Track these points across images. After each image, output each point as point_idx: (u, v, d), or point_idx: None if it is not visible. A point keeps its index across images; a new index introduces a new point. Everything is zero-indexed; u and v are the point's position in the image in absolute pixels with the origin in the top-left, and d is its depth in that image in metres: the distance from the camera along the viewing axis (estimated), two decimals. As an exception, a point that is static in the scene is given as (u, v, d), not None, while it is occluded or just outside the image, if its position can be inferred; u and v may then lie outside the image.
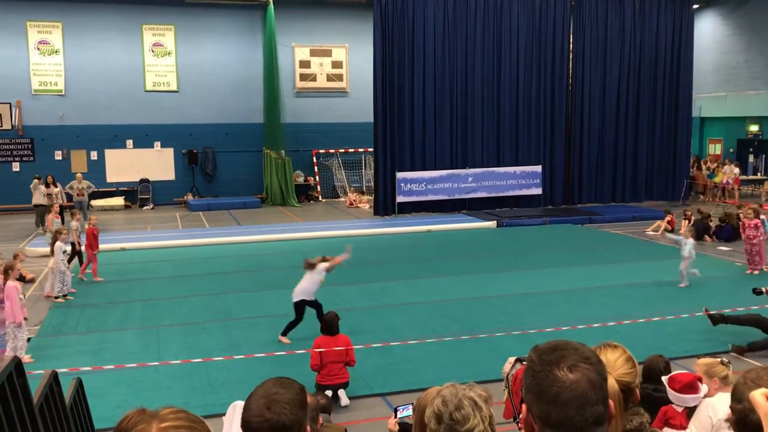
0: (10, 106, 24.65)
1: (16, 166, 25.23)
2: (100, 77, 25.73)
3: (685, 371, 5.40)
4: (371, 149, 24.08)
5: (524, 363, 3.96)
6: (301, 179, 27.60)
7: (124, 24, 25.88)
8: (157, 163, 26.64)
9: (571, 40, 24.27)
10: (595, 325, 10.35)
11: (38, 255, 16.03)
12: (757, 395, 1.58)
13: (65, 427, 3.66)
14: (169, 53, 26.54)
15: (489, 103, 23.39)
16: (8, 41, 24.89)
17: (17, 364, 2.96)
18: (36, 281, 14.06)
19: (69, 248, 14.26)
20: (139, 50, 26.22)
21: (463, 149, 23.28)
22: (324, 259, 10.08)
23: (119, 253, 16.89)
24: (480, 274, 14.33)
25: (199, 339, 10.31)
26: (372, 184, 24.52)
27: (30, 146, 25.38)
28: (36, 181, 20.48)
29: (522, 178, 23.56)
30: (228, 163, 27.33)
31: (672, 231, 18.87)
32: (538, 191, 23.78)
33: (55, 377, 3.72)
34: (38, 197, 20.25)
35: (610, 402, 1.64)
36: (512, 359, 4.31)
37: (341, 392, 7.94)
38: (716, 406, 4.49)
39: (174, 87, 26.71)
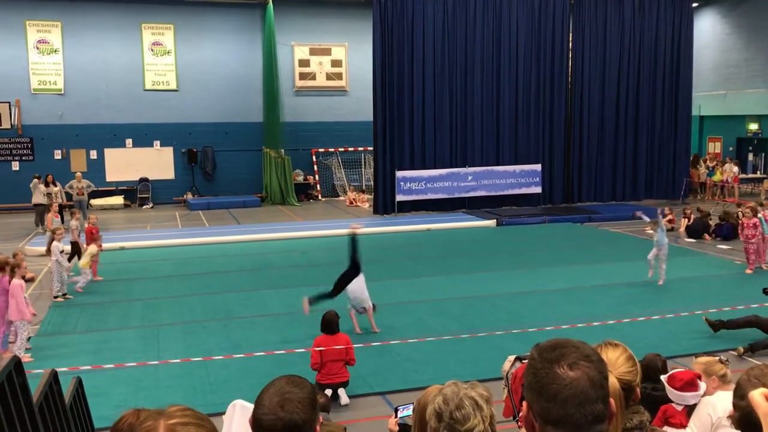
0: (10, 106, 24.62)
1: (15, 166, 25.22)
2: (99, 76, 25.71)
3: (685, 369, 5.40)
4: (371, 148, 24.08)
5: (524, 361, 3.96)
6: (300, 178, 27.60)
7: (124, 23, 25.86)
8: (156, 162, 26.64)
9: (570, 39, 24.27)
10: (595, 323, 10.36)
11: (38, 254, 16.02)
12: (756, 395, 1.58)
13: (65, 427, 3.66)
14: (168, 52, 26.53)
15: (488, 101, 23.38)
16: (7, 40, 24.87)
17: (17, 363, 2.96)
18: (36, 280, 14.06)
19: (68, 247, 14.27)
20: (138, 49, 26.20)
21: (462, 148, 23.27)
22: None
23: (119, 252, 16.89)
24: (479, 272, 14.33)
25: (198, 338, 10.31)
26: (372, 182, 24.52)
27: (29, 145, 25.36)
28: (35, 180, 20.47)
29: (521, 177, 23.56)
30: (227, 162, 27.32)
31: (672, 230, 18.89)
32: (538, 190, 23.78)
33: (54, 376, 3.72)
34: (38, 196, 20.23)
35: (611, 400, 1.64)
36: (512, 358, 4.31)
37: (341, 391, 7.94)
38: (716, 405, 4.50)
39: (173, 86, 26.70)
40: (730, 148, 29.11)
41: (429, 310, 11.59)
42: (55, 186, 20.93)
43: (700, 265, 14.97)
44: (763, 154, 28.17)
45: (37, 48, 25.21)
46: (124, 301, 12.54)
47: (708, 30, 28.99)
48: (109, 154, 26.19)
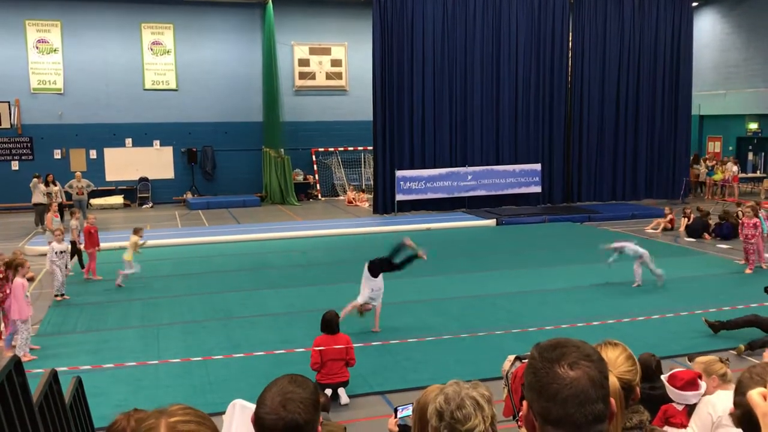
0: (9, 105, 24.60)
1: (15, 165, 25.22)
2: (99, 76, 25.71)
3: (685, 368, 5.40)
4: (370, 147, 24.08)
5: (524, 361, 3.96)
6: (300, 178, 27.60)
7: (123, 22, 25.86)
8: (156, 162, 26.63)
9: (570, 38, 24.27)
10: (595, 323, 10.37)
11: (37, 254, 16.02)
12: (754, 395, 1.57)
13: (65, 426, 3.65)
14: (168, 52, 26.53)
15: (488, 101, 23.38)
16: (7, 40, 24.87)
17: (17, 363, 2.96)
18: (36, 280, 14.05)
19: (69, 247, 14.25)
20: (138, 49, 26.20)
21: (462, 147, 23.27)
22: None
23: (118, 252, 16.86)
24: (479, 272, 14.33)
25: (198, 337, 10.31)
26: (371, 182, 24.52)
27: (29, 145, 25.36)
28: (35, 179, 20.47)
29: (521, 177, 23.56)
30: (227, 162, 27.32)
31: (672, 229, 18.90)
32: (538, 189, 23.78)
33: (54, 376, 3.72)
34: (38, 196, 20.22)
35: (611, 400, 1.64)
36: (512, 357, 4.31)
37: (341, 390, 7.94)
38: (716, 404, 4.50)
39: (173, 85, 26.69)
40: (730, 148, 29.11)
41: (429, 310, 11.59)
42: (56, 185, 20.92)
43: (700, 264, 14.96)
44: (763, 154, 28.17)
45: (37, 47, 25.20)
46: (123, 300, 12.54)
47: (708, 29, 28.99)
48: (109, 153, 26.19)
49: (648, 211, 21.97)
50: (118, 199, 25.79)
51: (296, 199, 26.31)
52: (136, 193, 26.33)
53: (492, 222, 20.74)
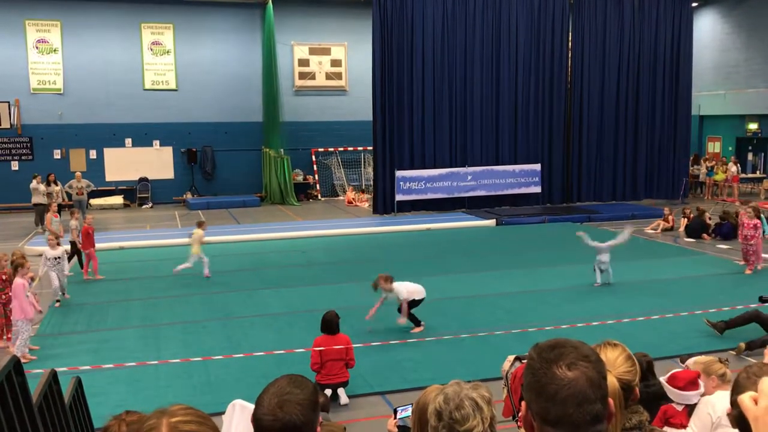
0: (9, 105, 24.62)
1: (15, 165, 25.22)
2: (98, 76, 25.71)
3: (684, 369, 5.40)
4: (370, 148, 24.07)
5: (523, 361, 3.96)
6: (300, 178, 27.60)
7: (123, 22, 25.86)
8: (156, 162, 26.63)
9: (570, 39, 24.27)
10: (595, 323, 10.37)
11: (37, 254, 15.99)
12: (744, 398, 1.57)
13: (64, 427, 3.66)
14: (168, 52, 26.53)
15: (488, 101, 23.39)
16: (7, 40, 24.87)
17: (16, 363, 2.96)
18: (36, 280, 14.03)
19: (66, 251, 14.21)
20: (137, 49, 26.20)
21: (462, 147, 23.28)
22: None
23: (118, 251, 16.89)
24: (479, 272, 14.33)
25: (198, 338, 10.31)
26: (371, 182, 24.52)
27: (29, 145, 25.36)
28: (35, 180, 20.46)
29: (521, 177, 23.56)
30: (227, 162, 27.32)
31: (671, 229, 18.90)
32: (537, 189, 23.78)
33: (54, 376, 3.72)
34: (37, 196, 20.22)
35: (610, 400, 1.64)
36: (511, 357, 4.31)
37: (341, 391, 7.94)
38: (715, 404, 4.51)
39: (173, 86, 26.70)
40: (730, 148, 29.11)
41: (428, 310, 11.56)
42: (57, 185, 20.92)
43: (700, 264, 14.97)
44: (763, 154, 28.17)
45: (37, 47, 25.20)
46: (123, 300, 12.54)
47: (708, 30, 28.99)
48: (109, 153, 26.19)
49: (648, 211, 21.98)
50: (117, 200, 25.79)
51: (296, 200, 26.31)
52: (136, 193, 26.33)
53: (492, 222, 20.74)
